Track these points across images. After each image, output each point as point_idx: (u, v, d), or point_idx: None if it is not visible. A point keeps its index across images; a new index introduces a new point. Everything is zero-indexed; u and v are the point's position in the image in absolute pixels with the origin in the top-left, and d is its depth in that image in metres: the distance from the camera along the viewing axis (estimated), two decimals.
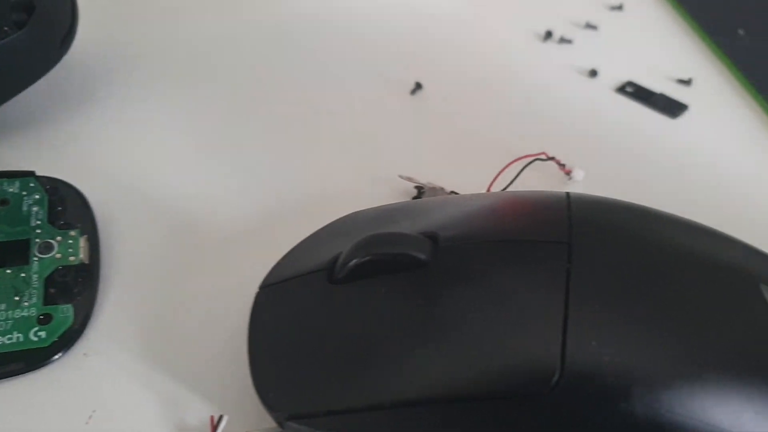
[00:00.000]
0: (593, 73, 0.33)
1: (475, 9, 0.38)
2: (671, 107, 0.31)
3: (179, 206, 0.26)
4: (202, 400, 0.20)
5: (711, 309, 0.18)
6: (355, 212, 0.23)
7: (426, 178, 0.26)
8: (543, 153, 0.27)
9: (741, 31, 0.36)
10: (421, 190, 0.26)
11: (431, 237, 0.20)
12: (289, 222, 0.25)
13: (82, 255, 0.23)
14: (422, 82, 0.32)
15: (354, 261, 0.19)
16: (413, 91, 0.31)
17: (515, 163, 0.26)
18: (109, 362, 0.21)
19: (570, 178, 0.27)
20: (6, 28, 0.27)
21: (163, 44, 0.34)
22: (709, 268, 0.19)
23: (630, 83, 0.32)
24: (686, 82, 0.32)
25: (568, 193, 0.21)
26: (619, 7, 0.38)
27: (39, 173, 0.25)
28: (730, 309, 0.18)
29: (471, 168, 0.27)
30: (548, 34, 0.35)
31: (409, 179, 0.26)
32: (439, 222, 0.21)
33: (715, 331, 0.17)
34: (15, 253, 0.23)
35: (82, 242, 0.23)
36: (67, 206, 0.25)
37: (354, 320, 0.19)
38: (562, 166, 0.27)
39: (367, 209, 0.24)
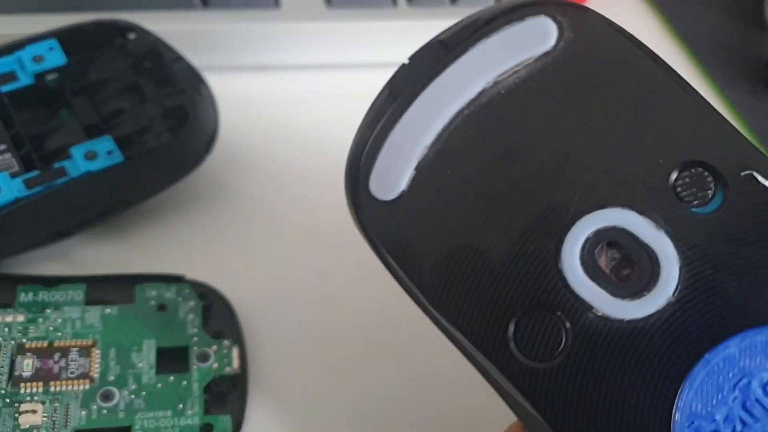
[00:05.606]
0: None
1: None
2: None
3: (313, 307, 0.28)
4: None
5: None
6: None
7: None
8: None
9: None
10: None
11: None
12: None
13: (236, 365, 0.25)
14: None
15: None
16: None
17: None
18: None
19: None
20: (158, 131, 0.29)
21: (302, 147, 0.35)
22: None
23: None
24: None
25: None
26: None
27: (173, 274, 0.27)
28: None
29: None
30: None
31: None
32: None
33: None
34: (175, 360, 0.25)
35: (235, 353, 0.25)
36: (215, 313, 0.26)
37: None
38: None
39: None
